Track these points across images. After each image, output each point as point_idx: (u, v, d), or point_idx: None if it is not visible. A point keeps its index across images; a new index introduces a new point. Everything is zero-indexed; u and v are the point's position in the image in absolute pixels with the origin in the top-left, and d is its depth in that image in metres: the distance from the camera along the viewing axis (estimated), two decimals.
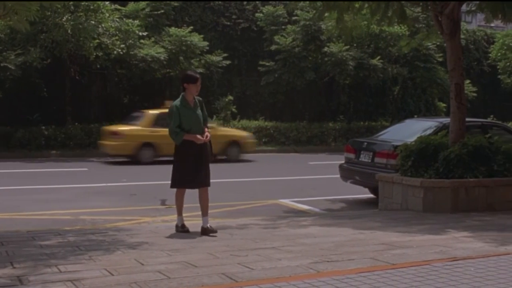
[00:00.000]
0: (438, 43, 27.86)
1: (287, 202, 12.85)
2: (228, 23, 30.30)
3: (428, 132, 12.80)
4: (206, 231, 8.56)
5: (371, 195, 13.61)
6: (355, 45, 29.50)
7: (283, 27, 29.31)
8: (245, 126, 27.17)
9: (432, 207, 10.71)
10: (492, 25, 46.22)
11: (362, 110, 32.02)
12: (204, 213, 8.76)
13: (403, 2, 12.56)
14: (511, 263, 6.70)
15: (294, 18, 29.00)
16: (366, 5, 12.80)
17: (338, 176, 14.04)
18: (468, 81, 32.05)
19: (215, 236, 8.42)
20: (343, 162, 14.03)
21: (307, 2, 25.42)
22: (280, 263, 6.65)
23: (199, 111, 8.87)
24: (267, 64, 28.55)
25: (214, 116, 27.29)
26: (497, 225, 9.49)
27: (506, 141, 12.12)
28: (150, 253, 7.17)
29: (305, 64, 28.50)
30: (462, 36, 32.88)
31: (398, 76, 31.42)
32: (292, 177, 17.31)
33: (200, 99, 9.02)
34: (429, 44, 29.01)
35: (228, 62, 27.99)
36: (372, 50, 30.17)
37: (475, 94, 33.09)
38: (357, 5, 12.74)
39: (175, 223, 8.92)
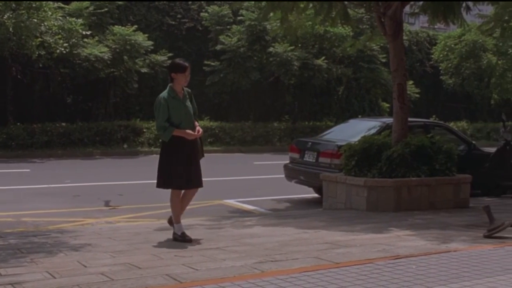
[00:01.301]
0: (381, 44, 28.17)
1: (232, 202, 12.85)
2: (173, 23, 30.14)
3: (372, 132, 12.94)
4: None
5: (316, 195, 13.70)
6: (300, 45, 29.66)
7: (228, 27, 29.28)
8: None
9: (375, 206, 10.83)
10: (435, 26, 46.97)
11: (307, 110, 32.22)
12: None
13: (346, 3, 12.66)
14: (452, 261, 6.82)
15: (239, 18, 29.01)
16: (311, 5, 12.88)
17: (283, 176, 14.09)
18: (411, 82, 32.54)
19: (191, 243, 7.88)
20: (287, 162, 14.09)
21: (252, 2, 25.55)
22: (224, 264, 6.64)
23: (188, 103, 8.16)
24: (212, 64, 28.49)
25: None
26: (438, 223, 9.64)
27: (447, 141, 12.35)
28: (93, 255, 7.08)
29: (250, 64, 28.52)
30: (405, 37, 33.42)
31: (342, 77, 31.70)
32: (237, 177, 17.31)
33: (189, 90, 8.31)
34: (373, 45, 29.36)
35: None
36: (316, 50, 30.37)
37: (417, 95, 33.59)
38: (301, 5, 12.80)
39: (119, 224, 8.80)
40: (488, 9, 19.16)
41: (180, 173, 7.96)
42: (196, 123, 8.15)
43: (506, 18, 17.16)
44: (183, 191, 8.21)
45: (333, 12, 12.56)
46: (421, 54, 39.11)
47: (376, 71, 31.53)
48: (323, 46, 30.55)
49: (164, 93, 8.06)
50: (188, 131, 7.96)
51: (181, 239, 7.95)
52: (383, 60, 30.77)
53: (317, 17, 13.05)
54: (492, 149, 14.56)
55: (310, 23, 15.26)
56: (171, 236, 8.22)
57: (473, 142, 14.88)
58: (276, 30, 15.24)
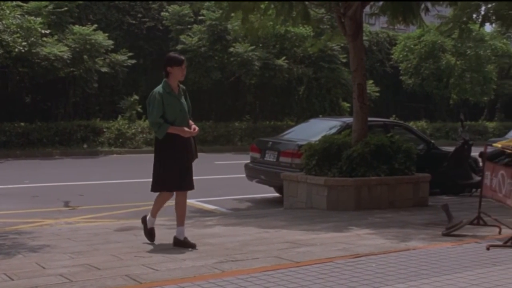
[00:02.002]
0: (342, 44, 28.32)
1: (193, 202, 12.79)
2: (134, 22, 29.96)
3: (332, 131, 13.00)
4: (182, 244, 7.57)
5: (277, 194, 13.72)
6: (261, 45, 29.70)
7: (189, 26, 29.20)
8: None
9: (336, 205, 10.89)
10: (395, 27, 47.42)
11: (268, 110, 32.29)
12: (180, 222, 7.77)
13: (307, 3, 12.71)
14: (411, 259, 6.88)
15: (200, 17, 28.96)
16: (272, 5, 12.90)
17: (244, 175, 14.09)
18: (371, 82, 32.80)
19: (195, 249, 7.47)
20: (248, 161, 14.10)
21: (213, 2, 25.51)
22: (184, 264, 6.62)
23: (183, 100, 7.76)
24: None
25: (119, 116, 26.98)
26: (398, 222, 9.72)
27: (406, 140, 12.46)
28: (52, 256, 7.00)
29: (211, 63, 28.46)
30: (365, 38, 33.62)
31: (303, 76, 31.81)
32: (198, 177, 17.03)
33: (184, 87, 7.93)
34: (334, 45, 29.52)
35: (133, 61, 27.65)
36: (277, 50, 30.45)
37: (378, 94, 33.85)
38: (262, 6, 12.81)
39: (78, 224, 8.70)
40: (447, 11, 19.39)
41: (173, 174, 7.56)
42: (191, 121, 7.80)
43: (464, 19, 17.37)
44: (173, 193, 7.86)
45: (293, 12, 12.59)
46: (381, 55, 39.44)
47: (336, 71, 31.70)
48: (284, 46, 30.64)
49: (159, 88, 7.63)
50: (184, 128, 7.58)
51: (146, 232, 7.92)
52: (344, 60, 30.95)
53: (278, 18, 13.08)
54: (451, 149, 14.71)
55: (271, 23, 15.28)
56: (131, 237, 8.18)
57: (432, 141, 15.03)
58: (237, 30, 15.27)
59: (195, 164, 7.82)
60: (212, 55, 28.58)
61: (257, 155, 13.77)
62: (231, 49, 28.52)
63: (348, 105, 32.11)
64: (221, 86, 30.28)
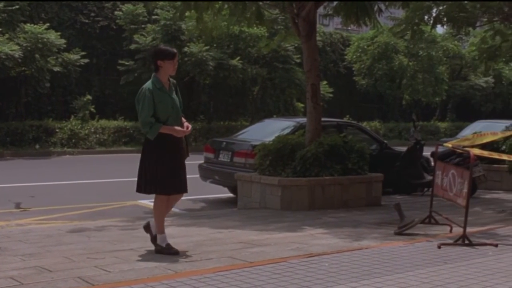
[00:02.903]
0: (296, 45, 28.42)
1: (147, 203, 12.70)
2: (87, 21, 29.65)
3: (286, 131, 13.05)
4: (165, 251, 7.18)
5: (231, 194, 13.72)
6: (215, 45, 29.63)
7: (143, 26, 28.98)
8: (104, 126, 26.74)
9: (289, 205, 10.93)
10: (348, 28, 47.80)
11: (222, 110, 32.26)
12: (160, 229, 7.34)
13: (260, 3, 12.73)
14: (363, 258, 6.94)
15: (154, 17, 28.77)
16: (226, 5, 12.89)
17: (198, 176, 14.05)
18: (324, 82, 32.98)
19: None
20: (202, 162, 14.07)
21: (167, 1, 25.38)
22: (138, 265, 6.58)
23: (175, 96, 7.28)
24: (127, 63, 28.14)
25: (72, 116, 26.69)
26: (351, 221, 9.80)
27: (360, 140, 12.56)
28: (2, 259, 6.89)
29: None
30: (319, 38, 33.73)
31: (257, 77, 31.84)
32: None
33: (174, 81, 7.41)
34: (288, 45, 29.61)
35: (86, 60, 27.32)
36: (232, 50, 30.41)
37: (331, 95, 34.02)
38: (217, 6, 12.80)
39: (30, 226, 8.55)
40: (400, 12, 19.61)
41: (167, 176, 7.07)
42: (183, 119, 7.35)
43: (416, 21, 17.59)
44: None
45: (247, 12, 12.60)
46: (335, 55, 39.70)
47: (290, 71, 31.79)
48: (239, 46, 30.62)
49: (149, 84, 7.10)
50: (177, 127, 7.12)
51: (166, 252, 7.11)
52: (298, 61, 31.03)
53: (232, 18, 13.08)
54: (403, 148, 14.87)
55: (225, 23, 15.28)
56: (84, 238, 8.09)
57: (385, 141, 15.18)
58: (191, 30, 15.20)
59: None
60: None
61: (211, 155, 13.77)
62: (185, 49, 28.39)
63: (302, 105, 32.23)
64: None
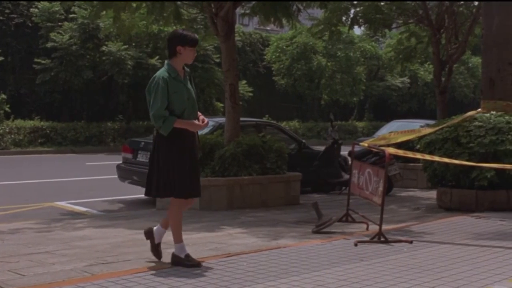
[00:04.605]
0: (215, 44, 28.42)
1: (63, 204, 12.51)
2: (1, 18, 28.91)
3: (205, 131, 13.00)
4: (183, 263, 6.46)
5: None
6: (134, 44, 29.37)
7: (59, 24, 28.50)
8: (19, 127, 26.16)
9: (208, 205, 10.91)
10: (268, 28, 48.13)
11: (141, 110, 31.85)
12: (177, 237, 6.59)
13: (178, 3, 12.66)
14: (281, 257, 6.97)
15: (71, 15, 28.32)
16: (144, 4, 12.78)
17: (116, 176, 13.90)
18: (244, 82, 33.10)
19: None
20: (121, 162, 13.92)
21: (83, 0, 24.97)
22: (53, 268, 6.44)
23: (190, 86, 6.51)
24: (43, 62, 27.62)
25: None
26: (269, 220, 9.85)
27: (278, 140, 12.63)
28: None
29: (82, 62, 27.92)
30: (238, 38, 33.81)
31: None
32: (69, 179, 16.88)
33: (188, 70, 6.63)
34: (207, 45, 29.57)
35: (1, 58, 26.70)
36: (151, 50, 30.19)
37: (251, 94, 34.18)
38: (134, 5, 12.68)
39: None
40: (319, 13, 19.84)
41: (185, 177, 6.34)
42: (198, 112, 6.57)
43: (334, 22, 17.86)
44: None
45: (165, 11, 12.52)
46: (254, 55, 39.87)
47: (210, 71, 31.77)
48: (158, 45, 30.40)
49: (162, 72, 6.34)
50: (194, 121, 6.38)
51: (187, 264, 6.36)
52: (217, 60, 30.99)
53: (150, 17, 12.97)
54: (322, 148, 15.05)
55: (144, 22, 15.15)
56: None
57: (304, 141, 15.33)
58: (108, 28, 15.01)
59: (66, 166, 7.61)
60: (84, 54, 28.03)
61: (129, 155, 13.62)
62: (104, 48, 28.06)
63: (222, 105, 32.25)
64: (93, 85, 29.70)
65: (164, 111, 6.16)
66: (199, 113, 6.51)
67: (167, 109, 6.20)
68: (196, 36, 6.50)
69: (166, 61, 6.46)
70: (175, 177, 6.29)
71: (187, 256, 6.44)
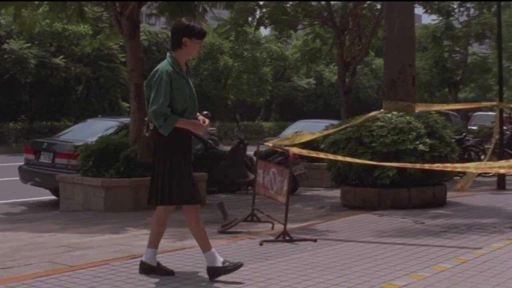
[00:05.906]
0: (121, 43, 28.14)
1: None
2: None
3: (109, 131, 12.90)
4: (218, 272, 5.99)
5: (53, 197, 13.33)
6: (37, 42, 28.77)
7: None
8: None
9: (113, 207, 10.78)
10: None
11: (44, 110, 31.33)
12: (205, 244, 6.12)
13: (82, 2, 12.46)
14: (187, 257, 6.97)
15: None
16: (46, 2, 12.52)
17: (18, 178, 13.57)
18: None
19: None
20: (23, 163, 13.61)
21: None
22: None
23: (191, 83, 6.01)
24: None
25: None
26: (176, 221, 9.74)
27: None
28: None
29: None
30: (144, 38, 33.58)
31: (81, 76, 31.23)
32: None
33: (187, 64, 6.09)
34: (112, 44, 29.26)
35: None
36: (55, 48, 29.67)
37: None
38: (36, 2, 12.40)
39: None
40: (225, 13, 19.89)
41: (192, 181, 5.96)
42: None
43: (241, 22, 17.96)
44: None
45: (68, 10, 12.30)
46: (161, 55, 39.50)
47: (115, 70, 31.46)
48: (62, 44, 29.91)
49: (166, 65, 5.79)
50: (196, 121, 5.90)
51: (229, 269, 5.94)
52: (123, 60, 30.75)
53: (52, 14, 12.71)
54: (228, 148, 15.08)
55: (47, 20, 14.85)
56: None
57: (210, 141, 15.33)
58: (9, 25, 14.65)
59: None
60: None
61: (31, 156, 13.34)
62: (5, 46, 27.37)
63: (127, 105, 31.91)
64: None
65: (167, 109, 5.61)
66: (198, 113, 6.07)
67: (168, 106, 5.67)
68: (204, 28, 5.99)
69: (168, 54, 5.96)
70: (182, 182, 5.87)
71: (224, 262, 5.96)
